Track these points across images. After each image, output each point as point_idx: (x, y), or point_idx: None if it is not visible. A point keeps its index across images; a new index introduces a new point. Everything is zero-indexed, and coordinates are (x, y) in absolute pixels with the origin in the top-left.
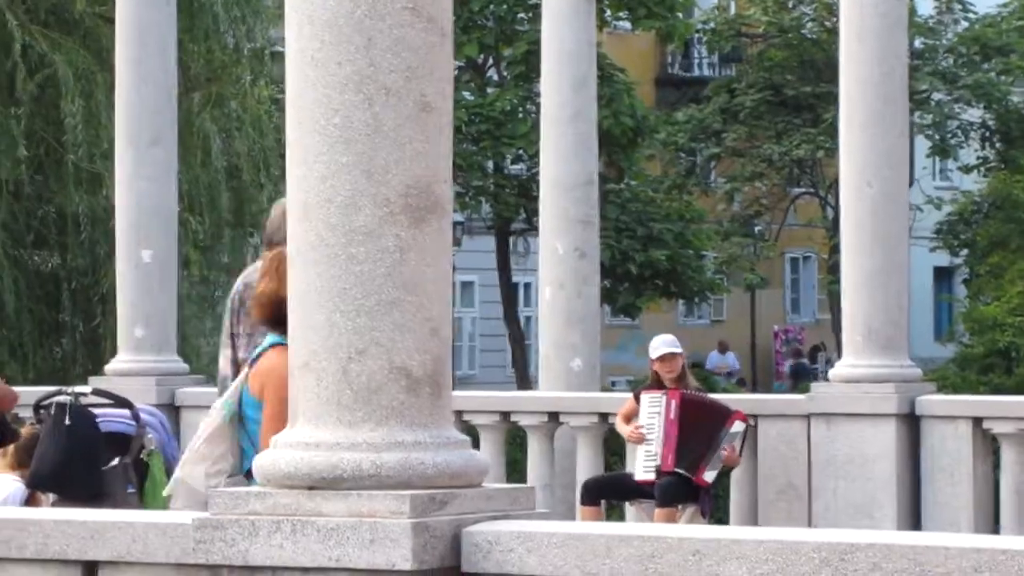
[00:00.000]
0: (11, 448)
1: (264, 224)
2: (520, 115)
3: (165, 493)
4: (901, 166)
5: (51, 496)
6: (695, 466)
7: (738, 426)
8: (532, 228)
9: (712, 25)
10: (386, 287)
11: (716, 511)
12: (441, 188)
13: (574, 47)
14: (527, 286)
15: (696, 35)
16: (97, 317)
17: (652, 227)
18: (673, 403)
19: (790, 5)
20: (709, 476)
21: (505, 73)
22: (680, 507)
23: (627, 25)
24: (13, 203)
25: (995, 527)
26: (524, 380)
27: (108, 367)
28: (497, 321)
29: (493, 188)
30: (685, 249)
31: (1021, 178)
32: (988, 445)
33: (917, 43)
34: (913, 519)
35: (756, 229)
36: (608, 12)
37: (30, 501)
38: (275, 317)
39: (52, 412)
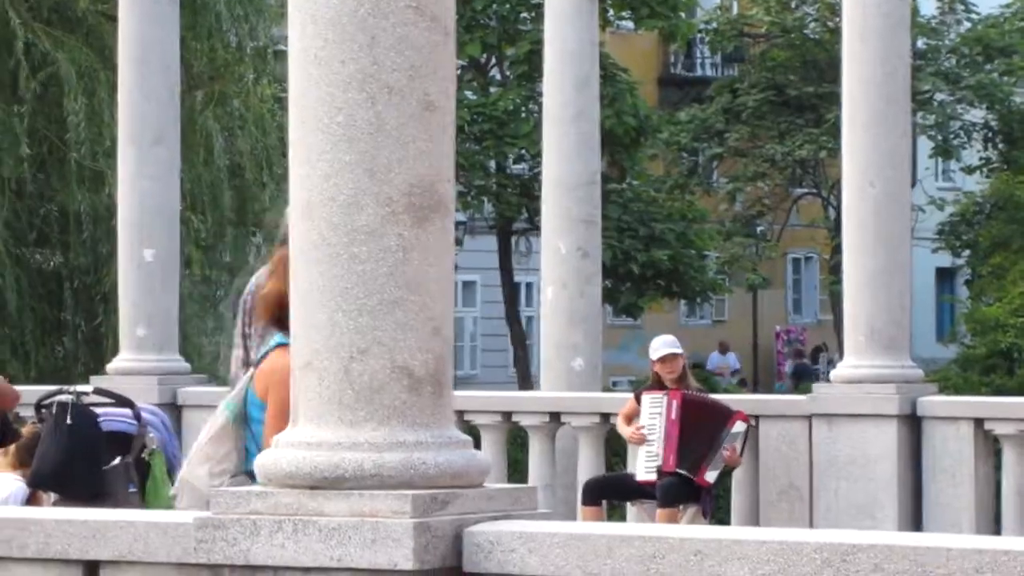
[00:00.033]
0: (12, 447)
1: (275, 224)
2: (523, 115)
3: (171, 493)
4: (903, 166)
5: (52, 495)
6: (696, 466)
7: (739, 426)
8: (534, 228)
9: (715, 25)
10: (388, 286)
11: (717, 511)
12: (444, 187)
13: (577, 47)
14: (529, 286)
15: (699, 35)
16: (99, 316)
17: (654, 227)
18: (674, 404)
19: (793, 5)
20: (710, 476)
21: (508, 72)
22: (681, 507)
23: (630, 25)
24: (15, 201)
25: (996, 528)
26: (526, 380)
27: (110, 366)
28: (499, 321)
29: (495, 188)
30: (687, 249)
31: (1023, 179)
32: (990, 446)
33: (920, 43)
34: (915, 520)
35: (758, 229)
36: (611, 12)
37: (31, 500)
38: (280, 317)
39: (54, 411)
